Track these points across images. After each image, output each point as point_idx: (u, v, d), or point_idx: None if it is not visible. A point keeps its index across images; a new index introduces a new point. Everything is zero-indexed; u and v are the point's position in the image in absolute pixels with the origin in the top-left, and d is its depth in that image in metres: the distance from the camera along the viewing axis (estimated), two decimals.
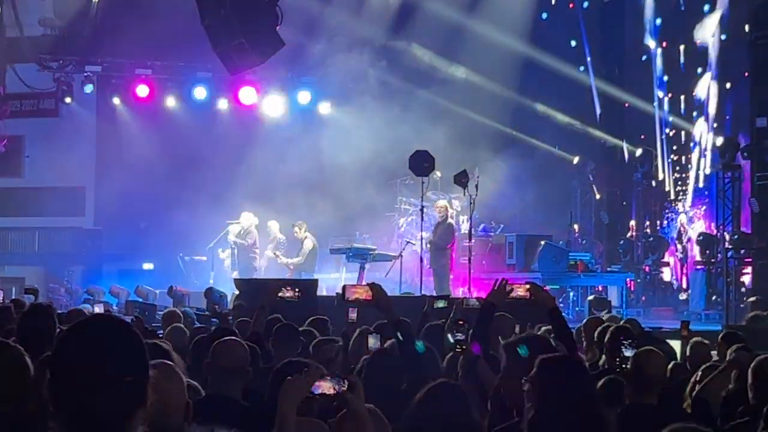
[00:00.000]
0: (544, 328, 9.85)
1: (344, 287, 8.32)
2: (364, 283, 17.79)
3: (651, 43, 29.85)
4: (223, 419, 4.92)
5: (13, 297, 21.53)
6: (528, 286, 8.20)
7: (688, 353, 10.58)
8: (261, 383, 7.22)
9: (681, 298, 26.92)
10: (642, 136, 30.21)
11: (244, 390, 7.16)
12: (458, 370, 7.97)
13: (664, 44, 29.58)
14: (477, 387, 7.32)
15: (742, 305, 22.80)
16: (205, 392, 7.04)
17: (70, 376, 3.35)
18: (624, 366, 8.03)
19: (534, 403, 5.43)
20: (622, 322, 11.13)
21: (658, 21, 29.53)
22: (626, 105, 30.42)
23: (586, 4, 30.76)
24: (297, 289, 10.08)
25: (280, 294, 9.99)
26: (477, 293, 18.99)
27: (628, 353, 8.16)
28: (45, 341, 7.56)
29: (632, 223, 29.67)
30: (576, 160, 29.24)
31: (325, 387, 4.68)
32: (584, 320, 12.71)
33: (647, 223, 29.62)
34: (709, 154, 27.72)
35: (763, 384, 7.57)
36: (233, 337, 7.77)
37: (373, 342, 8.88)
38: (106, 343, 3.39)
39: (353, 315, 10.63)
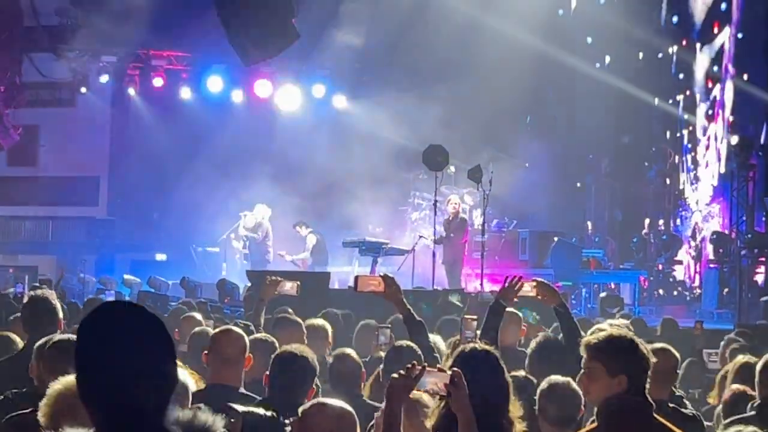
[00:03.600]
0: (554, 325, 9.83)
1: (356, 278, 8.30)
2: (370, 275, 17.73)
3: (667, 40, 29.77)
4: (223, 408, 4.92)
5: (27, 285, 21.71)
6: (535, 284, 8.17)
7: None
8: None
9: (693, 296, 26.86)
10: (657, 134, 30.14)
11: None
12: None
13: (682, 42, 29.50)
14: None
15: (755, 304, 22.75)
16: (206, 382, 7.09)
17: (104, 371, 3.26)
18: None
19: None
20: (629, 322, 11.03)
21: (675, 19, 29.44)
22: (641, 102, 30.32)
23: (602, 1, 30.65)
24: (297, 282, 9.96)
25: (279, 287, 9.88)
26: (489, 288, 18.96)
27: None
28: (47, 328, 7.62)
29: (646, 220, 29.60)
30: (590, 156, 29.17)
31: (432, 383, 4.66)
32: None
33: (660, 221, 29.55)
34: (724, 152, 27.66)
35: None
36: (232, 327, 7.82)
37: (383, 338, 8.88)
38: (140, 333, 3.31)
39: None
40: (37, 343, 6.51)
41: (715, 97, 28.43)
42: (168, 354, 3.36)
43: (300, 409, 5.01)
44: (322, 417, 4.87)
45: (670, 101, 29.67)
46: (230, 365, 7.13)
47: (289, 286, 9.85)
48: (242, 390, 7.05)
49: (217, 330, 7.81)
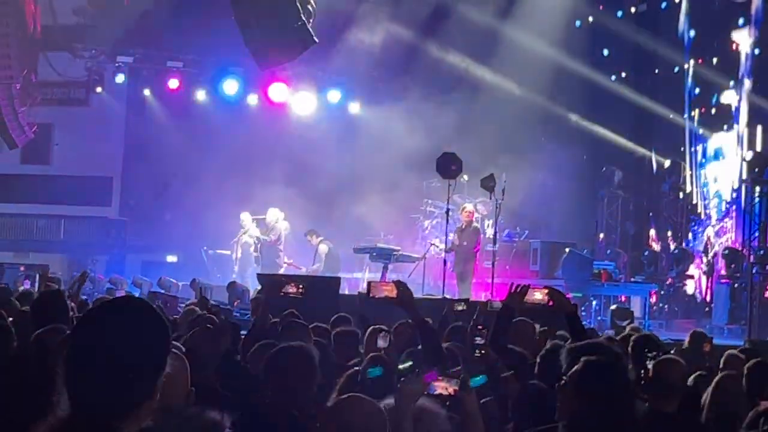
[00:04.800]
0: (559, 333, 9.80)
1: (369, 284, 8.29)
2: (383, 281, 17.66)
3: (683, 55, 29.71)
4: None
5: (38, 285, 21.72)
6: (547, 291, 8.14)
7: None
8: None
9: (704, 311, 26.79)
10: (671, 147, 30.06)
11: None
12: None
13: (698, 56, 29.44)
14: (495, 395, 7.27)
15: (765, 320, 22.69)
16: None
17: (82, 358, 3.22)
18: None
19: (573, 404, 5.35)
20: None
21: (692, 33, 29.39)
22: (656, 115, 30.25)
23: (620, 14, 30.60)
24: (301, 286, 9.97)
25: (283, 290, 9.91)
26: (499, 298, 18.93)
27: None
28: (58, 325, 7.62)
29: (651, 231, 29.55)
30: (603, 169, 29.11)
31: (441, 387, 4.66)
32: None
33: (669, 233, 29.49)
34: (738, 167, 27.58)
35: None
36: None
37: (382, 342, 8.88)
38: (127, 328, 3.26)
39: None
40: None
41: (730, 112, 28.35)
42: (156, 356, 3.30)
43: (334, 400, 4.98)
44: (355, 411, 4.84)
45: (686, 116, 29.61)
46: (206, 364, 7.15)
47: (293, 287, 9.88)
48: None
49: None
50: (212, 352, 7.34)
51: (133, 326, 3.28)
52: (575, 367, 5.31)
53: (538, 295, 8.04)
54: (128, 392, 3.23)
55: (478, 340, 8.09)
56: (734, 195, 27.84)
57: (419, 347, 7.88)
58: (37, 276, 25.35)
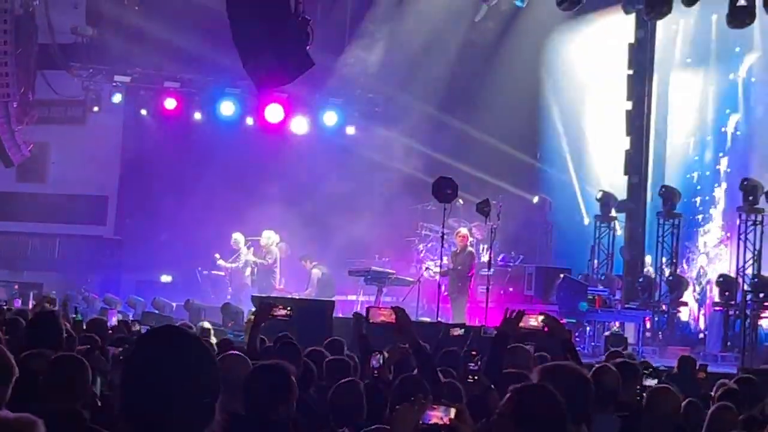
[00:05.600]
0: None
1: (368, 309, 8.32)
2: (381, 306, 17.64)
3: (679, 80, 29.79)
4: None
5: (31, 303, 21.69)
6: (543, 317, 8.15)
7: None
8: None
9: (698, 338, 26.80)
10: (665, 174, 30.08)
11: None
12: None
13: (694, 82, 29.50)
14: (488, 420, 7.27)
15: (759, 348, 22.71)
16: None
17: (148, 389, 3.30)
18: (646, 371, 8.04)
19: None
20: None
21: (689, 60, 29.46)
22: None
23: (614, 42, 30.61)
24: (289, 308, 10.07)
25: (273, 312, 10.01)
26: (492, 324, 18.94)
27: (649, 382, 8.15)
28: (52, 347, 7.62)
29: (647, 258, 29.52)
30: (599, 195, 29.10)
31: (436, 416, 4.64)
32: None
33: (663, 260, 29.47)
34: (732, 194, 27.60)
35: None
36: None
37: (375, 362, 8.90)
38: (191, 361, 3.34)
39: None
40: None
41: (725, 139, 28.42)
42: (213, 386, 3.37)
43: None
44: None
45: (681, 141, 29.64)
46: None
47: (281, 310, 9.97)
48: None
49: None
50: None
51: (192, 358, 3.36)
52: (506, 398, 5.24)
53: (533, 321, 8.05)
54: (195, 421, 3.32)
55: (472, 366, 8.09)
56: (728, 222, 27.88)
57: (414, 372, 7.88)
58: (32, 294, 25.36)
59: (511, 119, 28.72)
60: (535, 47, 29.34)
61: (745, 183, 24.93)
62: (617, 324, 25.34)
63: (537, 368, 6.05)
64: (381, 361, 8.91)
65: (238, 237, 27.45)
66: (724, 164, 28.50)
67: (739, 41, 26.97)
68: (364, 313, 8.43)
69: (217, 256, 27.50)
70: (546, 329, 8.08)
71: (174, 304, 25.78)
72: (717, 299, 25.67)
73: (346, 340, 12.00)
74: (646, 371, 8.37)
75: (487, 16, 27.98)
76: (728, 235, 27.85)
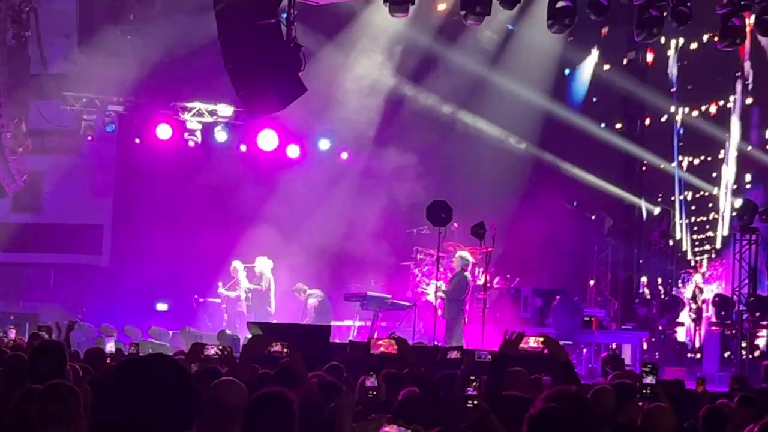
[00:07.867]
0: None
1: (369, 340, 8.33)
2: (375, 332, 17.65)
3: (673, 104, 29.88)
4: None
5: (27, 334, 21.63)
6: (542, 339, 8.16)
7: None
8: None
9: (694, 358, 26.81)
10: (660, 196, 30.18)
11: None
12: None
13: (687, 107, 29.61)
14: None
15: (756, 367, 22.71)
16: None
17: (114, 408, 3.32)
18: (645, 391, 8.06)
19: None
20: None
21: (681, 80, 29.57)
22: (645, 163, 30.37)
23: (606, 67, 30.68)
24: (286, 350, 9.98)
25: (269, 348, 9.93)
26: (488, 347, 18.93)
27: (648, 380, 8.17)
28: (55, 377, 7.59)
29: (642, 279, 29.60)
30: (593, 216, 29.21)
31: None
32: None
33: (659, 280, 29.55)
34: (727, 216, 27.69)
35: None
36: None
37: (369, 383, 8.90)
38: (159, 382, 3.35)
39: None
40: None
41: (719, 160, 28.51)
42: (188, 416, 3.38)
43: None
44: None
45: (674, 163, 29.75)
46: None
47: (278, 347, 9.90)
48: None
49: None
50: None
51: (170, 388, 3.37)
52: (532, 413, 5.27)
53: (533, 343, 8.06)
54: None
55: (470, 391, 8.08)
56: (723, 242, 27.95)
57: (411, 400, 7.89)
58: (27, 325, 25.31)
59: (504, 141, 28.83)
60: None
61: (741, 203, 25.05)
62: (614, 345, 25.37)
63: (542, 395, 6.06)
64: (375, 382, 8.91)
65: (237, 265, 27.41)
66: None
67: None
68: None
69: (220, 284, 27.46)
70: (546, 351, 8.10)
71: (170, 332, 25.72)
72: (714, 319, 25.73)
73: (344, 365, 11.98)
74: (645, 392, 8.38)
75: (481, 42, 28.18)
76: (723, 255, 27.93)
